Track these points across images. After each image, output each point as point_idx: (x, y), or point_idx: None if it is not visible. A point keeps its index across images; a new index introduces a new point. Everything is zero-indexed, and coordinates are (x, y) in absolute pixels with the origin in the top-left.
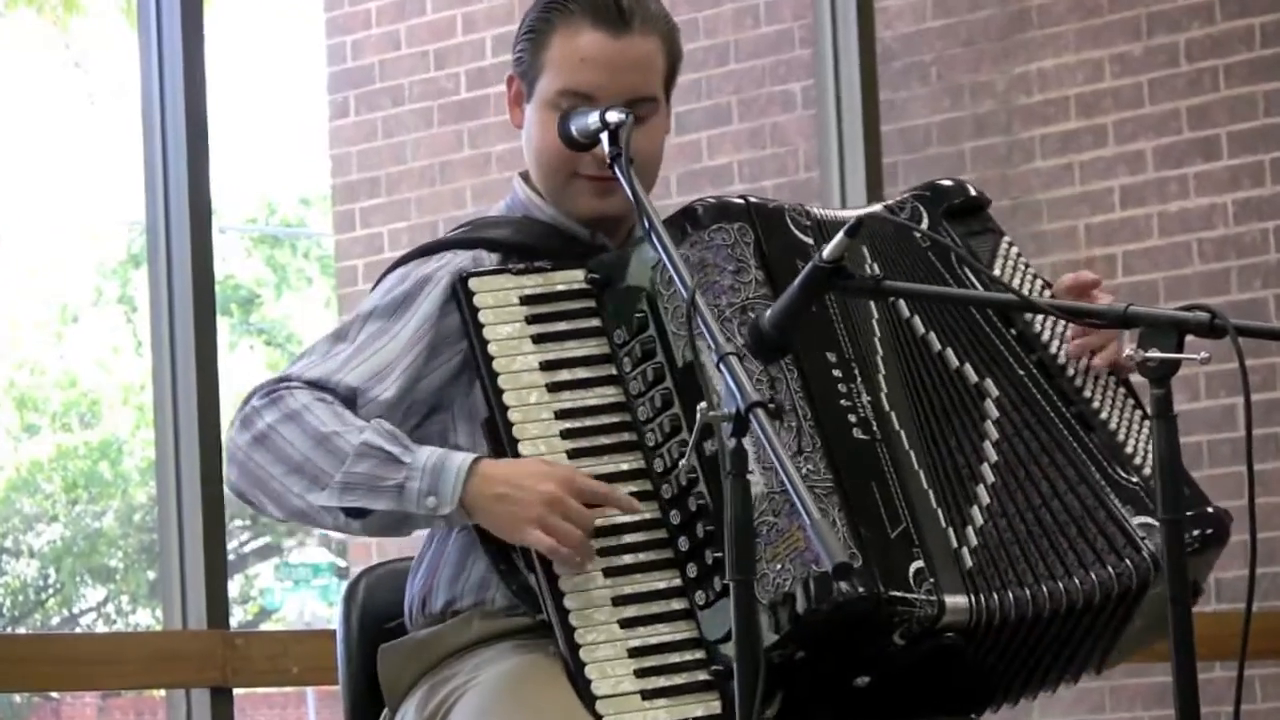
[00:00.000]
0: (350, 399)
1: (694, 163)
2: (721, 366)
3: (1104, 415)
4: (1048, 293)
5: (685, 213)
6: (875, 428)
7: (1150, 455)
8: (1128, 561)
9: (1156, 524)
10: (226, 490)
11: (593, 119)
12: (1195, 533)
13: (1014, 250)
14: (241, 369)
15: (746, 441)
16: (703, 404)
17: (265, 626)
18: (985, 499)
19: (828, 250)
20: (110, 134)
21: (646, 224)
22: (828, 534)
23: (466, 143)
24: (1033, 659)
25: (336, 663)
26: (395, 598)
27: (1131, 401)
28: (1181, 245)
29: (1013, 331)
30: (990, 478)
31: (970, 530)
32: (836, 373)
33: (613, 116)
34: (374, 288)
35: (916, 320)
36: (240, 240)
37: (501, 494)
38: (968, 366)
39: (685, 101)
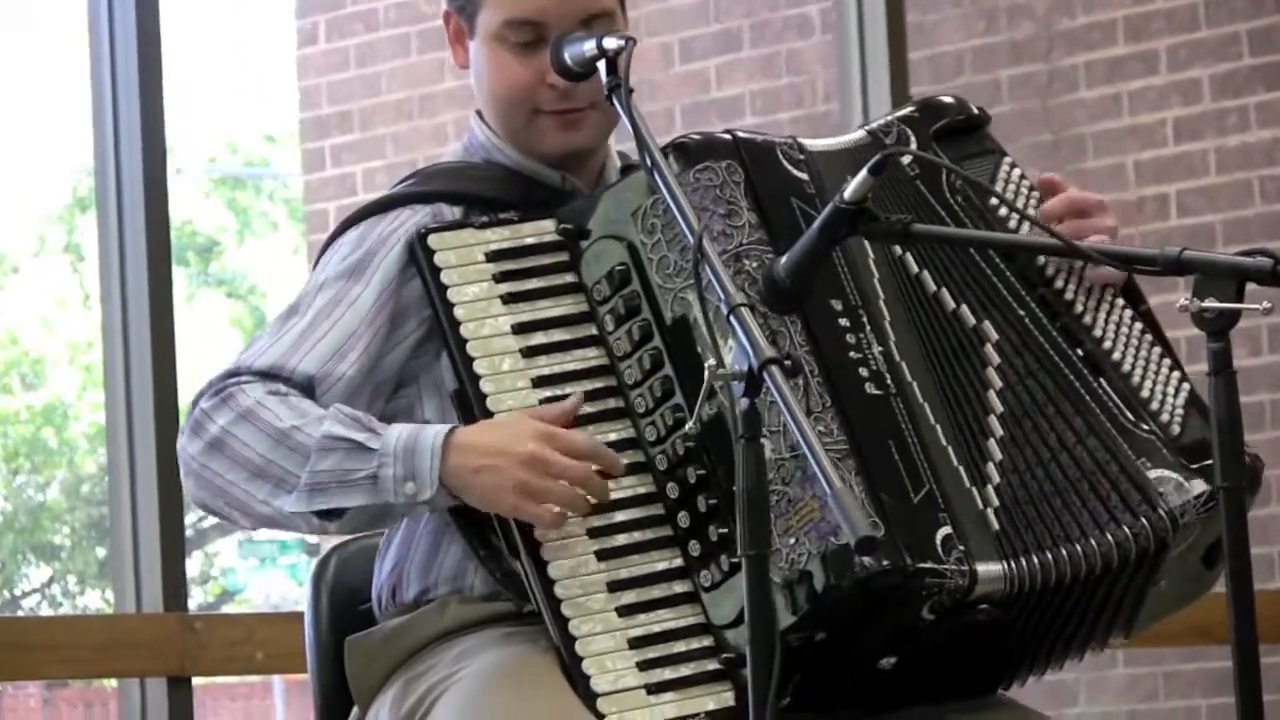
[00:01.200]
0: (308, 387)
1: (701, 94)
2: (732, 319)
3: (1116, 356)
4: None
5: (667, 151)
6: (889, 381)
7: (1169, 399)
8: (1144, 520)
9: (1176, 477)
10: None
11: (589, 46)
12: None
13: (1016, 172)
14: (200, 324)
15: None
16: (711, 361)
17: (227, 609)
18: (997, 454)
19: (850, 190)
20: (53, 64)
21: (649, 162)
22: (850, 504)
23: (448, 73)
24: (1055, 628)
25: (306, 649)
26: (370, 576)
27: (1150, 338)
28: (1241, 183)
29: (1013, 267)
30: (998, 430)
31: (990, 490)
32: (844, 322)
33: (610, 43)
34: (321, 254)
35: (909, 258)
36: (198, 182)
37: (481, 466)
38: (964, 308)
39: (692, 26)
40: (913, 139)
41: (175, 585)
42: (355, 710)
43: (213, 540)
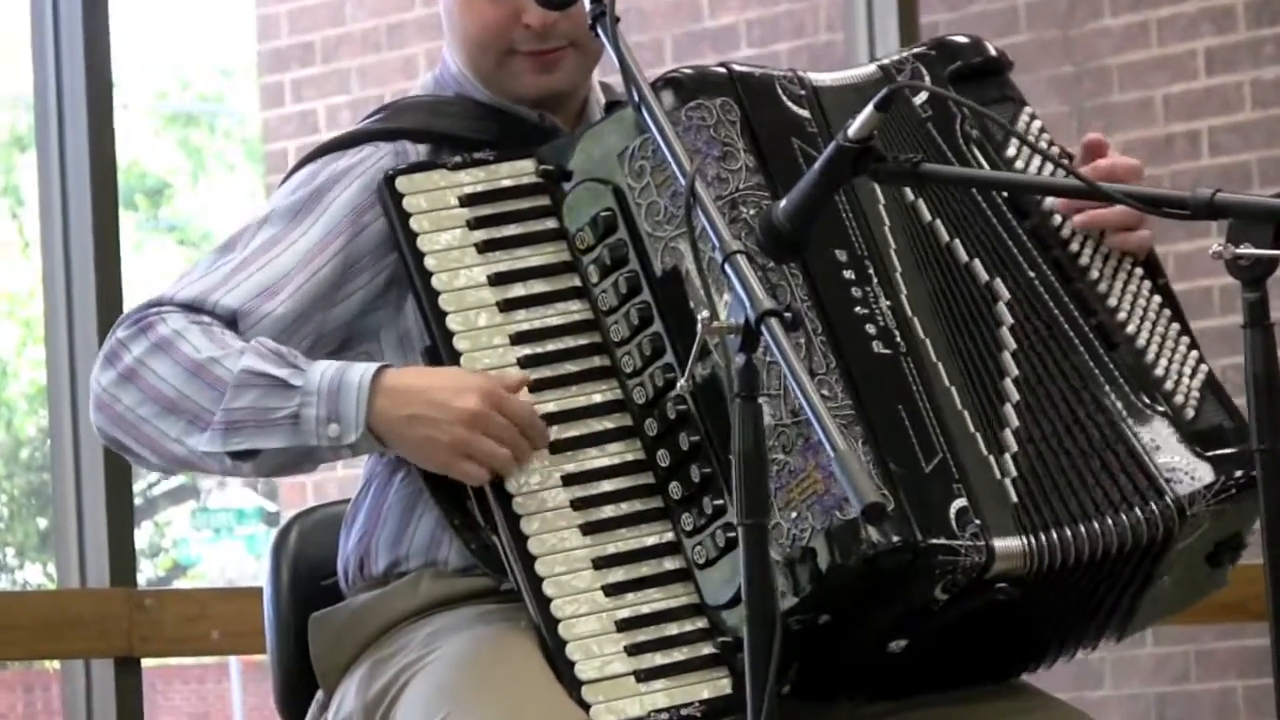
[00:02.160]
0: (231, 322)
1: (693, 23)
2: (727, 269)
3: (1131, 329)
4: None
5: (656, 87)
6: (898, 338)
7: (1184, 380)
8: (1153, 506)
9: (1187, 464)
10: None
11: None
12: (1237, 474)
13: (1036, 124)
14: (150, 274)
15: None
16: (704, 315)
17: (179, 584)
18: (1014, 420)
19: (854, 127)
20: None
21: (637, 98)
22: (856, 468)
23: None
24: (1063, 615)
25: (265, 627)
26: (333, 548)
27: (1168, 313)
28: (1278, 120)
29: (1026, 224)
30: (1014, 394)
31: (1008, 458)
32: (848, 273)
33: None
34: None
35: (922, 205)
36: (147, 119)
37: (414, 414)
38: (977, 262)
39: None
40: (927, 78)
41: (123, 558)
42: (319, 693)
43: (164, 509)
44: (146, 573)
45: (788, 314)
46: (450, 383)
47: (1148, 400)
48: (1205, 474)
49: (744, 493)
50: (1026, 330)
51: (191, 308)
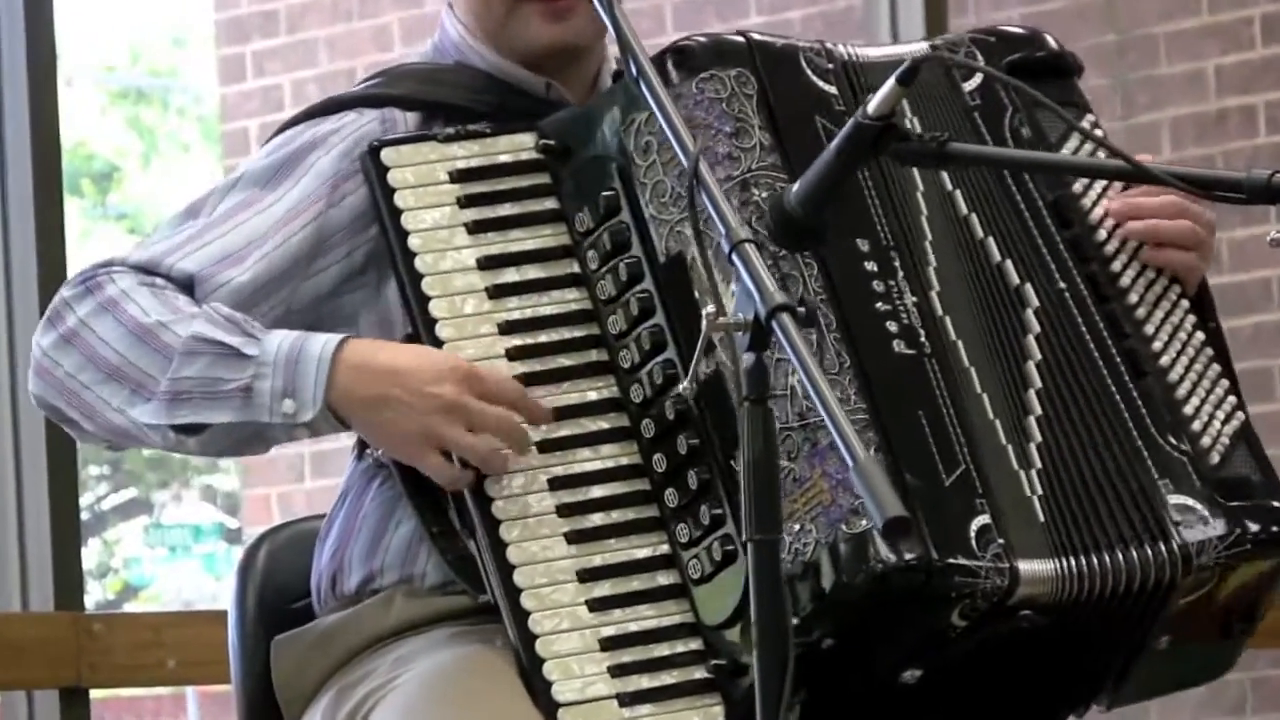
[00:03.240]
0: (187, 287)
1: None
2: (735, 258)
3: (1164, 361)
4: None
5: (664, 58)
6: (923, 338)
7: (1215, 423)
8: (1160, 548)
9: (1201, 509)
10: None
11: None
12: (1254, 529)
13: (1098, 134)
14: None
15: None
16: (709, 308)
17: (131, 607)
18: (1037, 434)
19: (874, 103)
20: None
21: (634, 68)
22: (877, 479)
23: None
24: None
25: (228, 655)
26: (305, 569)
27: (1210, 353)
28: None
29: (1067, 234)
30: (1037, 408)
31: (1035, 475)
32: (870, 265)
33: None
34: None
35: (959, 196)
36: (94, 95)
37: (380, 395)
38: (1009, 264)
39: None
40: (983, 63)
41: (69, 579)
42: None
43: (113, 525)
44: (95, 595)
45: (801, 309)
46: (424, 362)
47: (1170, 438)
48: (1219, 524)
49: (754, 506)
50: (1052, 342)
51: (144, 269)
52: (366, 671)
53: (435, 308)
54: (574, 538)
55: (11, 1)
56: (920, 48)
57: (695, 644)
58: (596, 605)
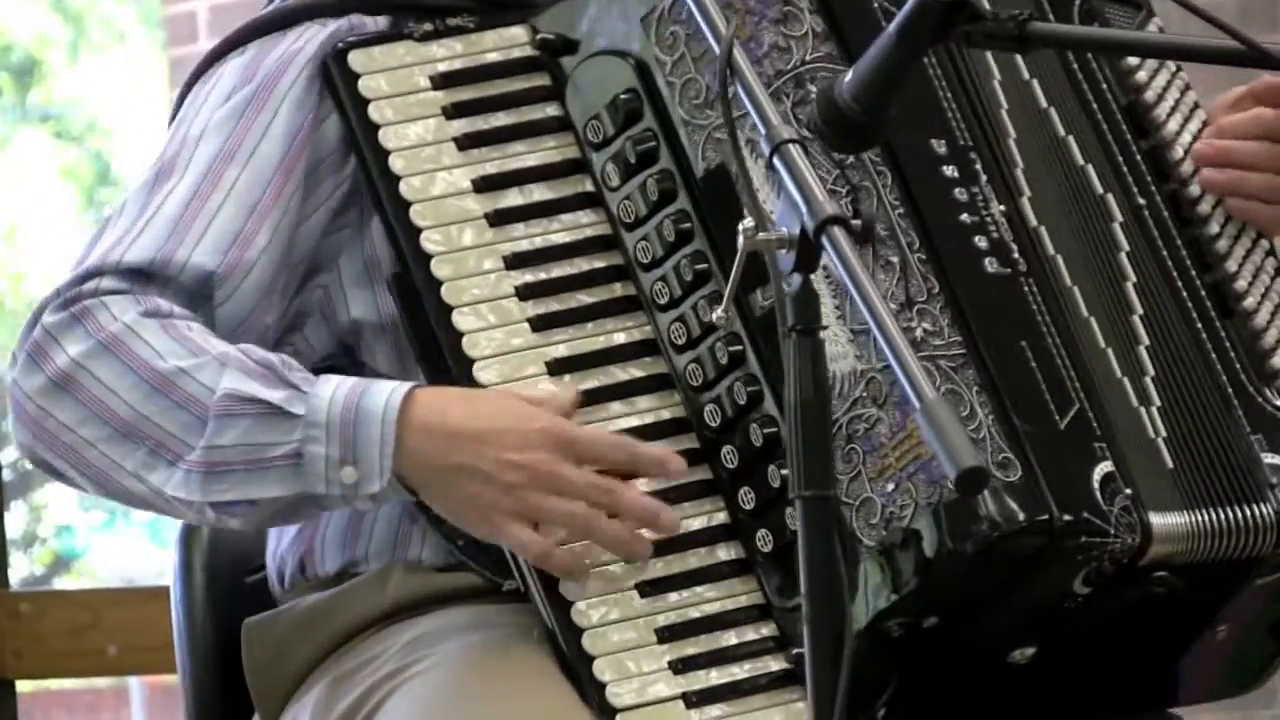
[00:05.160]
0: (202, 289)
1: None
2: (777, 162)
3: (1248, 303)
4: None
5: None
6: (1016, 254)
7: None
8: (1258, 510)
9: None
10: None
11: None
12: None
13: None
14: (18, 175)
15: (820, 283)
16: (746, 223)
17: (63, 584)
18: (1150, 368)
19: None
20: None
21: None
22: (948, 423)
23: None
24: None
25: (174, 639)
26: (260, 537)
27: None
28: None
29: (1143, 144)
30: (1144, 337)
31: (1155, 413)
32: (949, 170)
33: None
34: (185, 93)
35: (1037, 86)
36: None
37: (459, 465)
38: (1091, 170)
39: None
40: None
41: None
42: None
43: (40, 487)
44: (20, 570)
45: (856, 222)
46: (507, 421)
47: (1265, 389)
48: None
49: (801, 457)
50: (1140, 265)
51: (143, 275)
52: (368, 658)
53: (428, 241)
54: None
55: None
56: None
57: (768, 629)
58: (648, 589)
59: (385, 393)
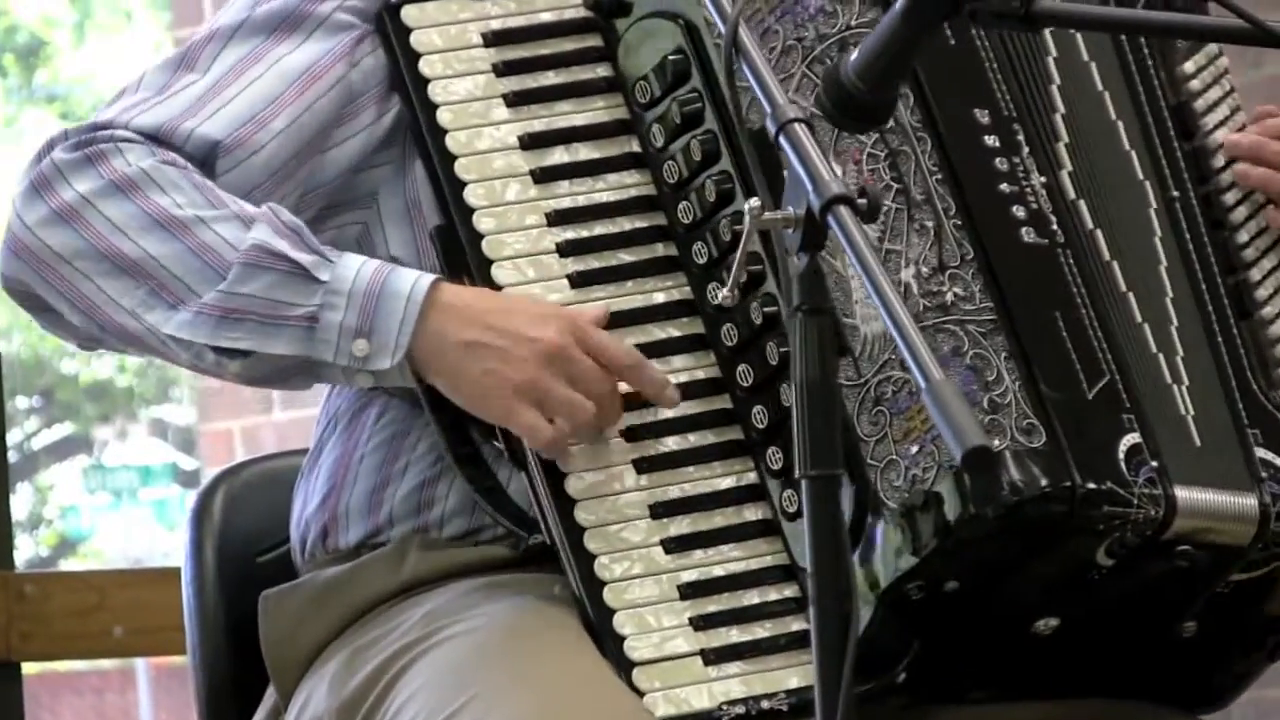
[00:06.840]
0: (207, 160)
1: None
2: (782, 141)
3: (1266, 312)
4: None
5: None
6: (1054, 225)
7: None
8: (1247, 499)
9: None
10: None
11: None
12: None
13: (1223, 61)
14: (23, 155)
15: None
16: (753, 202)
17: (69, 565)
18: (1179, 348)
19: None
20: None
21: None
22: (954, 401)
23: None
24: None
25: (183, 620)
26: (272, 514)
27: None
28: None
29: (1187, 145)
30: (1174, 317)
31: (1185, 391)
32: (990, 139)
33: None
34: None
35: (1094, 70)
36: None
37: (476, 341)
38: (1135, 156)
39: None
40: None
41: None
42: (269, 696)
43: (46, 467)
44: (25, 551)
45: (862, 201)
46: (524, 307)
47: (1265, 386)
48: None
49: (808, 436)
50: (1170, 250)
51: (155, 138)
52: (386, 630)
53: (471, 194)
54: (644, 466)
55: None
56: None
57: (790, 590)
58: (673, 546)
59: (413, 276)
